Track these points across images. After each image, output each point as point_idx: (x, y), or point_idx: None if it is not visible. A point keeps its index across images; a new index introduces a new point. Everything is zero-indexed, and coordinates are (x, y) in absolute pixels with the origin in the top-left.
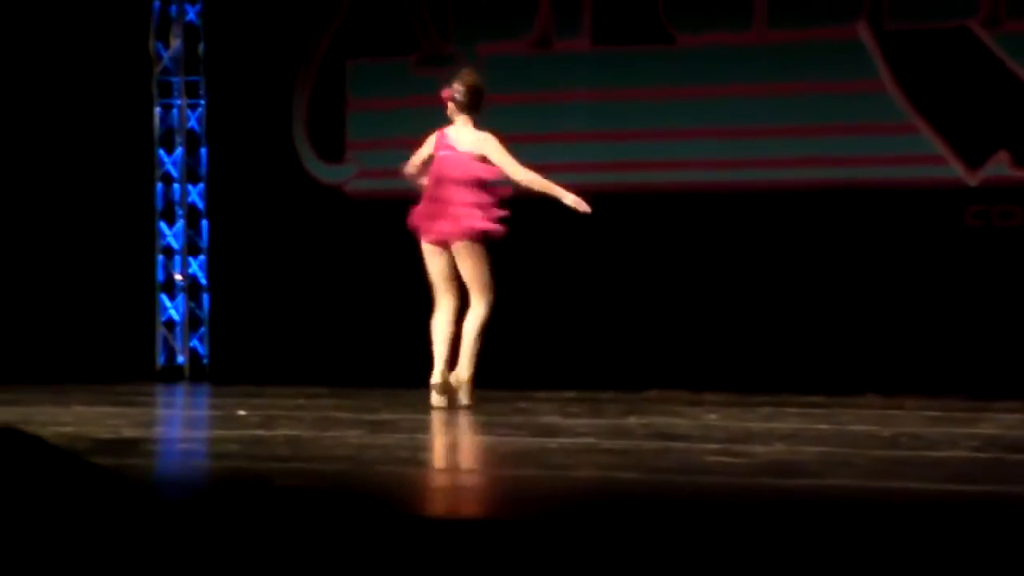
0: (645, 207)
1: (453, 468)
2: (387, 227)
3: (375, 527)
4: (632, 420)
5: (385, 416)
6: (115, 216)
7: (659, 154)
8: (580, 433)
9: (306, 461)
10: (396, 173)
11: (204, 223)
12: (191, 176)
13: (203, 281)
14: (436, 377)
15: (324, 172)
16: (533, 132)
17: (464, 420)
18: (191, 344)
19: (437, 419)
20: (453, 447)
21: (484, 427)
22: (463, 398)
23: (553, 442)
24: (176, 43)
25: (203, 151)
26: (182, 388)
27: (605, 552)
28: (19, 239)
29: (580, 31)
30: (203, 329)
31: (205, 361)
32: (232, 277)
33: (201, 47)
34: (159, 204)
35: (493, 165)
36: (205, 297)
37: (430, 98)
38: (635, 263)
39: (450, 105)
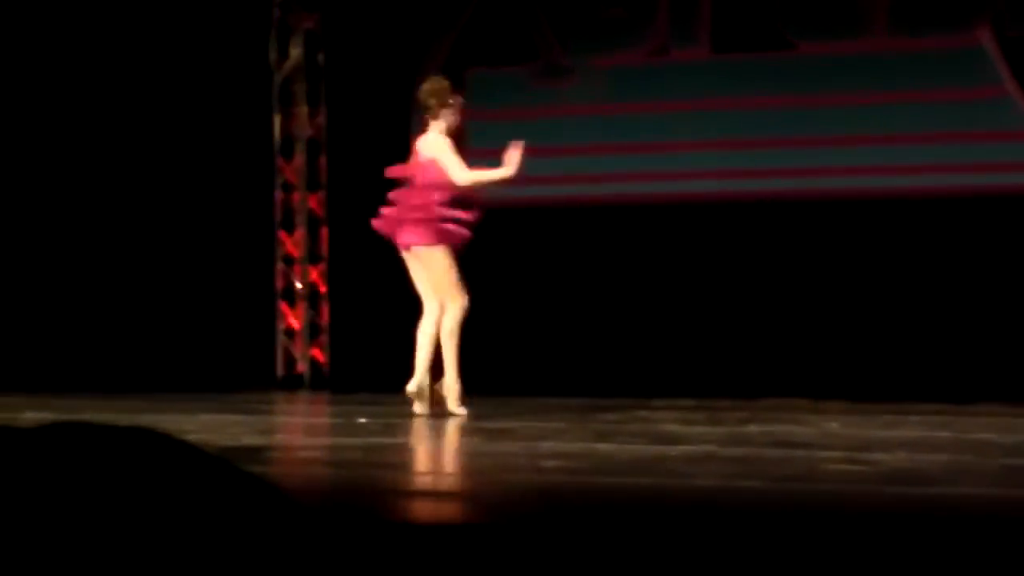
0: (765, 214)
1: (573, 476)
2: (503, 235)
3: (490, 534)
4: (752, 428)
5: (503, 424)
6: (235, 224)
7: (779, 162)
8: (700, 441)
9: (423, 467)
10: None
11: (324, 231)
12: (311, 184)
13: (323, 289)
14: (411, 386)
15: None
16: (651, 141)
17: (585, 428)
18: (311, 352)
19: (555, 426)
20: (572, 455)
21: (602, 435)
22: (451, 406)
23: (673, 450)
24: (296, 51)
25: (323, 159)
26: (302, 396)
27: (733, 559)
28: (141, 248)
29: (698, 40)
30: (323, 337)
31: (325, 369)
32: (352, 285)
33: (321, 55)
34: (279, 212)
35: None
36: (325, 305)
37: (549, 108)
38: (754, 269)
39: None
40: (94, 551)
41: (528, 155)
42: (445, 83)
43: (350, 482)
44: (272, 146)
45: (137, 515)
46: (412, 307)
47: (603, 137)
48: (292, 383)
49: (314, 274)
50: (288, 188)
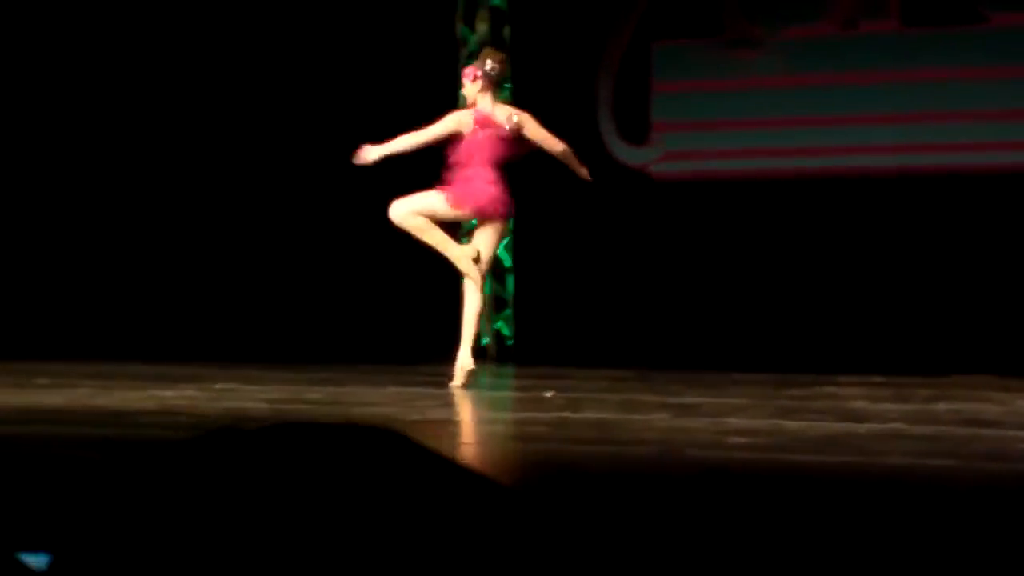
0: (952, 188)
1: (762, 452)
2: (691, 209)
3: (685, 513)
4: (940, 406)
5: (689, 399)
6: None
7: (969, 135)
8: (888, 419)
9: (614, 444)
10: (701, 155)
11: None
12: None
13: (508, 263)
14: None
15: (629, 154)
16: (838, 114)
17: (771, 404)
18: (496, 325)
19: (739, 402)
20: (758, 432)
21: (788, 412)
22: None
23: (861, 427)
24: (482, 26)
25: None
26: (487, 369)
27: (926, 538)
28: (327, 218)
29: (887, 12)
30: (508, 310)
31: (509, 342)
32: (537, 259)
33: (507, 30)
34: None
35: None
36: (510, 279)
37: (735, 81)
38: (939, 244)
39: (481, 83)
40: (338, 558)
41: (712, 128)
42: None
43: (540, 457)
44: None
45: (378, 522)
46: (596, 281)
47: (788, 110)
48: (477, 355)
49: (500, 247)
50: None
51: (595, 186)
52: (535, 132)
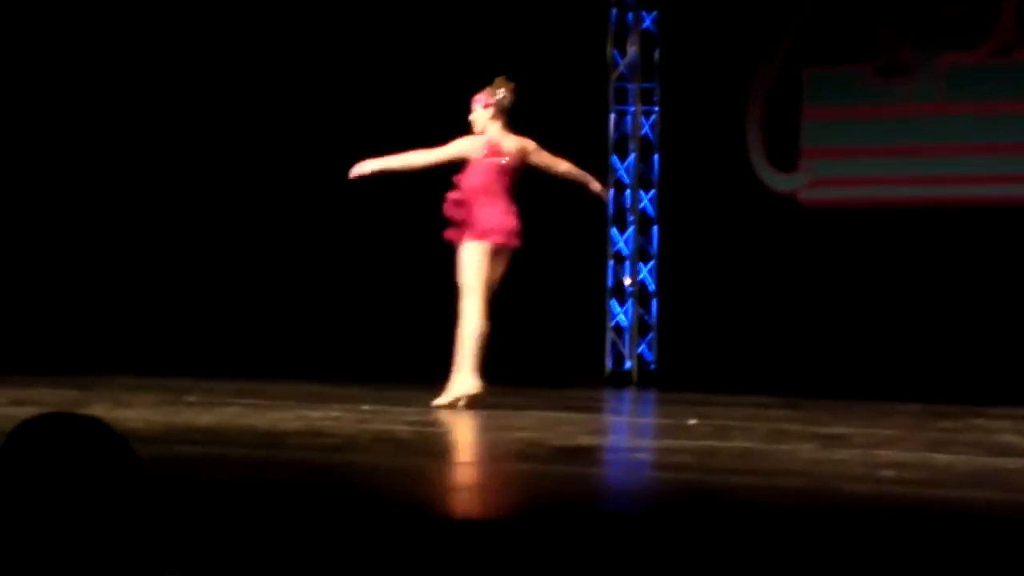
0: None
1: (912, 487)
2: (839, 237)
3: (836, 547)
4: None
5: (837, 429)
6: (568, 221)
7: None
8: None
9: (760, 475)
10: (850, 182)
11: (654, 229)
12: (643, 182)
13: (652, 287)
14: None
15: (776, 180)
16: (992, 143)
17: (921, 436)
18: (639, 350)
19: (889, 434)
20: (909, 465)
21: (938, 445)
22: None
23: (1012, 462)
24: (632, 50)
25: (655, 157)
26: (630, 394)
27: None
28: None
29: None
30: (651, 335)
31: (652, 367)
32: (681, 283)
33: (656, 54)
34: (611, 210)
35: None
36: (654, 303)
37: (887, 108)
38: None
39: (492, 110)
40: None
41: (863, 156)
42: None
43: (684, 487)
44: (607, 144)
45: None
46: (741, 306)
47: (941, 138)
48: (620, 380)
49: (644, 272)
50: (621, 186)
51: (740, 211)
52: (540, 157)
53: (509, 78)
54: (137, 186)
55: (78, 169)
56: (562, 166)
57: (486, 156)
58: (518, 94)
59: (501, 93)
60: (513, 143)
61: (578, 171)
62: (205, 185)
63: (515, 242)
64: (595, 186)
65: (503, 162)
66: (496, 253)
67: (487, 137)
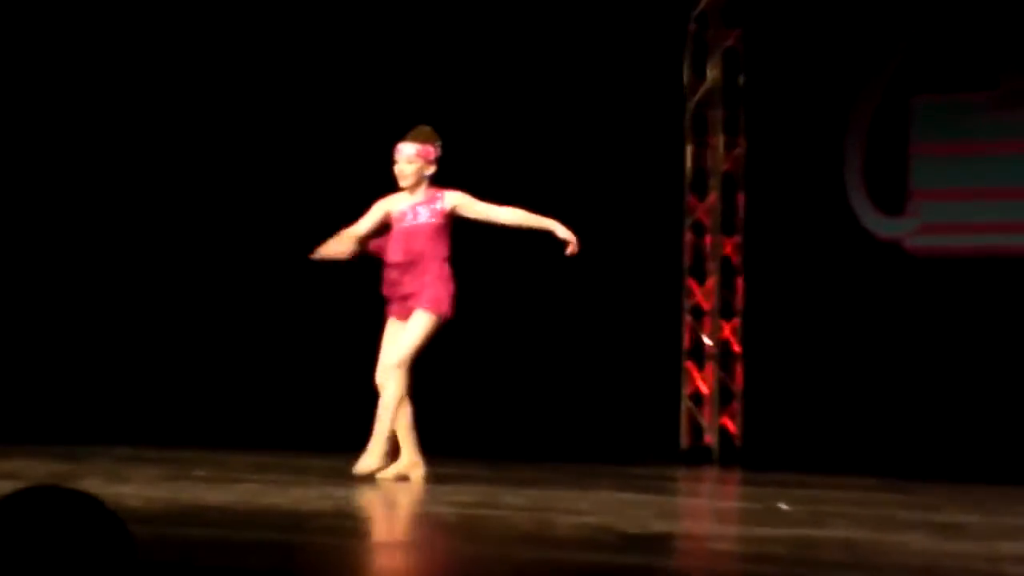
0: None
1: None
2: (953, 291)
3: None
4: None
5: (954, 517)
6: (637, 271)
7: None
8: None
9: (867, 571)
10: (966, 228)
11: (739, 280)
12: (726, 226)
13: (737, 348)
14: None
15: (881, 225)
16: None
17: None
18: (720, 421)
19: (1014, 522)
20: None
21: None
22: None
23: None
24: (713, 72)
25: (740, 197)
26: (711, 473)
27: None
28: (521, 292)
29: None
30: (735, 404)
31: (736, 441)
32: (770, 343)
33: (741, 77)
34: (688, 257)
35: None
36: (739, 366)
37: (1009, 143)
38: None
39: (415, 167)
40: None
41: (980, 198)
42: None
43: None
44: (682, 181)
45: None
46: (839, 371)
47: None
48: (698, 456)
49: (727, 330)
50: (699, 230)
51: (840, 259)
52: (473, 209)
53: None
54: (128, 242)
55: (58, 229)
56: (507, 215)
57: (413, 216)
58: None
59: (438, 144)
60: (438, 200)
61: (535, 217)
62: (198, 237)
63: (449, 313)
64: (562, 233)
65: (436, 220)
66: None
67: (415, 195)
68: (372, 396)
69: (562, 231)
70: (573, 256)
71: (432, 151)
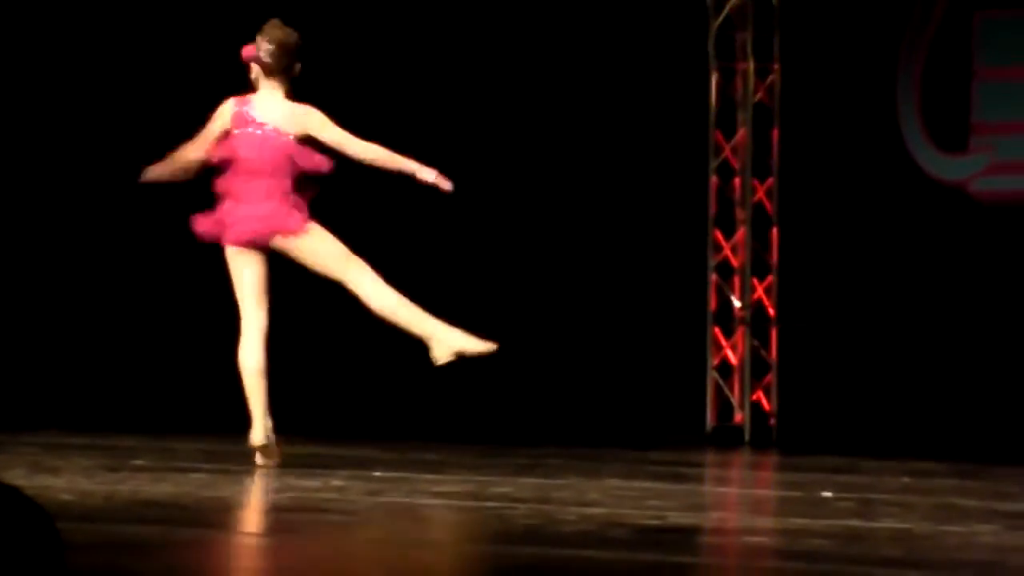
0: None
1: None
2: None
3: None
4: None
5: None
6: (655, 222)
7: None
8: None
9: (925, 568)
10: None
11: (773, 232)
12: (757, 168)
13: (771, 311)
14: (260, 437)
15: (941, 164)
16: None
17: None
18: (753, 397)
19: None
20: None
21: None
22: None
23: None
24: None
25: (775, 133)
26: (742, 457)
27: None
28: (531, 255)
29: None
30: (770, 376)
31: (771, 420)
32: (810, 306)
33: None
34: (713, 205)
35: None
36: (773, 333)
37: None
38: None
39: (254, 68)
40: None
41: None
42: None
43: None
44: (707, 115)
45: None
46: (891, 339)
47: None
48: (727, 437)
49: (759, 290)
50: (727, 172)
51: (893, 206)
52: (324, 132)
53: (279, 24)
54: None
55: None
56: (363, 151)
57: (235, 127)
58: (284, 44)
59: (264, 47)
60: (281, 111)
61: (395, 157)
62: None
63: (276, 231)
64: (425, 175)
65: (258, 134)
66: (251, 253)
67: (243, 100)
68: (334, 381)
69: (425, 172)
70: (449, 193)
71: (248, 50)
